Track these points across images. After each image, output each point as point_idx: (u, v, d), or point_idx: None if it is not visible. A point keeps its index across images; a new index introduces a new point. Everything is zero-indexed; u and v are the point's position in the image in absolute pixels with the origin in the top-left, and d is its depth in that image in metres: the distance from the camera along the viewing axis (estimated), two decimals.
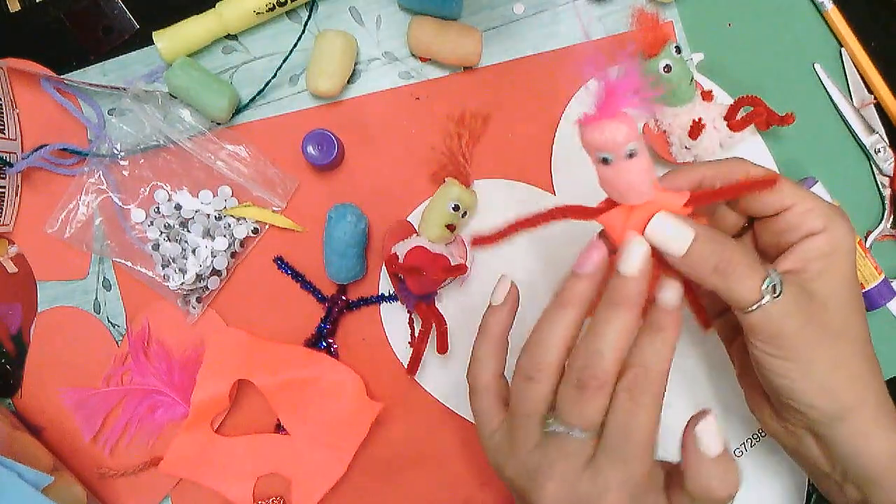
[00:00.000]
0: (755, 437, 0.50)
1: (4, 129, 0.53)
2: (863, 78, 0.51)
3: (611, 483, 0.34)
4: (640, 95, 0.33)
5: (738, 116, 0.47)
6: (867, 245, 0.51)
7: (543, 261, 0.52)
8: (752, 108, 0.47)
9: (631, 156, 0.33)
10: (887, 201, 0.51)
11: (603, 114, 0.33)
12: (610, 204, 0.36)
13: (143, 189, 0.53)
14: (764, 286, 0.34)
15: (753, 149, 0.51)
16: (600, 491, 0.34)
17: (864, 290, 0.49)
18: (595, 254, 0.36)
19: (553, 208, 0.36)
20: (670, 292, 0.35)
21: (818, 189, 0.49)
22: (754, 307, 0.34)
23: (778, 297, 0.34)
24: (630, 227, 0.35)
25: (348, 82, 0.52)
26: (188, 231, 0.53)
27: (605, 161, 0.33)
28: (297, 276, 0.53)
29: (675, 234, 0.34)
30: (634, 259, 0.34)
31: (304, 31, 0.52)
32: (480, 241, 0.38)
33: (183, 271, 0.52)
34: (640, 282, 0.34)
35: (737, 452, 0.50)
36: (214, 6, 0.51)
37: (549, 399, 0.36)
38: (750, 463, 0.50)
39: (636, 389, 0.34)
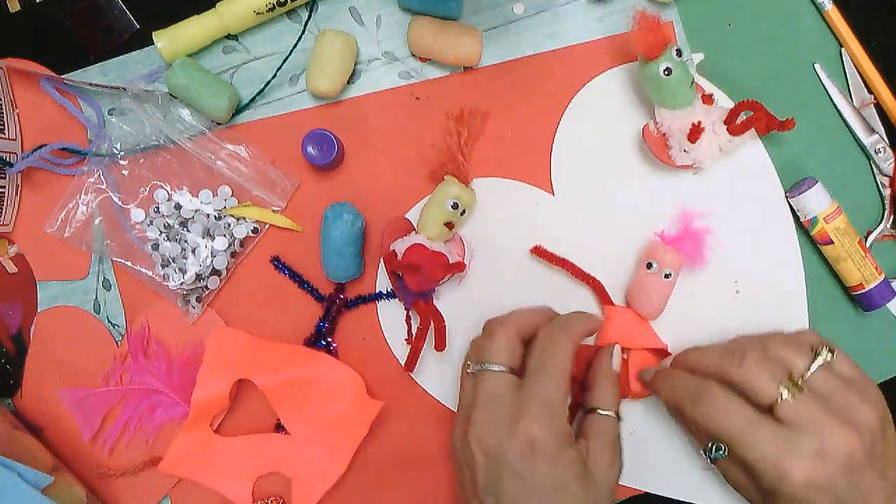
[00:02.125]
0: None
1: (4, 129, 0.53)
2: (863, 78, 0.51)
3: (531, 401, 0.41)
4: (699, 249, 0.49)
5: (738, 121, 0.47)
6: (867, 245, 0.51)
7: (537, 267, 0.52)
8: (752, 113, 0.47)
9: (666, 276, 0.48)
10: (887, 201, 0.51)
11: (674, 242, 0.49)
12: (615, 311, 0.51)
13: (142, 189, 0.53)
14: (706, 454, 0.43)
15: (753, 151, 0.51)
16: (519, 416, 0.40)
17: (863, 290, 0.49)
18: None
19: (591, 277, 0.51)
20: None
21: (817, 189, 0.49)
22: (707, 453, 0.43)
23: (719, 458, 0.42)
24: (611, 337, 0.50)
25: (348, 82, 0.52)
26: (188, 231, 0.53)
27: (649, 266, 0.48)
28: (294, 275, 0.53)
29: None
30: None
31: (304, 31, 0.52)
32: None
33: (183, 271, 0.52)
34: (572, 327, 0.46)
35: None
36: (214, 6, 0.51)
37: (480, 356, 0.45)
38: None
39: (549, 330, 0.44)
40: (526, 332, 0.45)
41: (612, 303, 0.51)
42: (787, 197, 0.50)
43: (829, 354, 0.41)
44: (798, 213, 0.50)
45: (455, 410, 0.52)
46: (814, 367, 0.41)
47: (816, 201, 0.49)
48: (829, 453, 0.38)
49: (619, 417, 0.46)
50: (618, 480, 0.44)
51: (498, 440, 0.41)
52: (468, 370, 0.45)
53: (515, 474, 0.40)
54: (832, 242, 0.49)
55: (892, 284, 0.50)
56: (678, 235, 0.49)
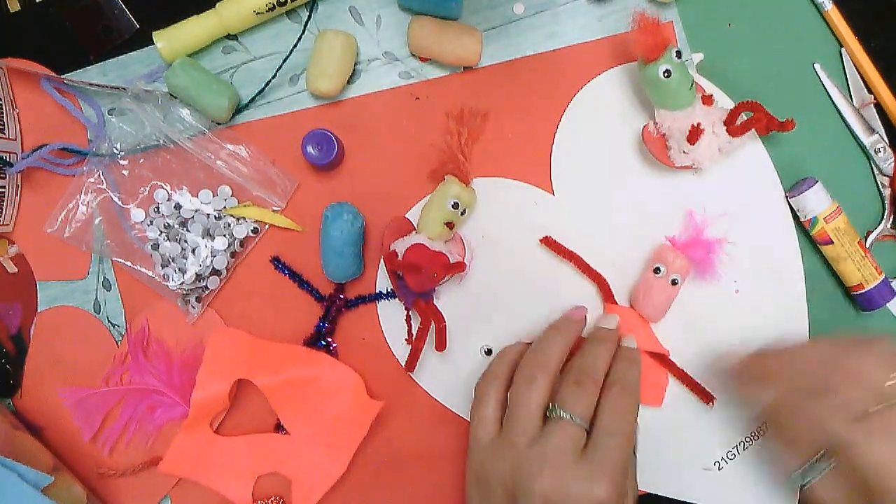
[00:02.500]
0: (746, 441, 0.50)
1: (4, 129, 0.53)
2: (863, 78, 0.51)
3: (607, 465, 0.40)
4: (711, 256, 0.49)
5: (738, 122, 0.47)
6: (867, 245, 0.51)
7: (537, 267, 0.52)
8: (751, 114, 0.47)
9: (673, 282, 0.49)
10: (887, 201, 0.51)
11: (685, 248, 0.49)
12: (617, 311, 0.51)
13: (142, 189, 0.53)
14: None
15: (753, 151, 0.51)
16: (591, 476, 0.39)
17: (863, 290, 0.49)
18: (581, 310, 0.49)
19: (597, 274, 0.51)
20: (612, 322, 0.48)
21: (817, 189, 0.49)
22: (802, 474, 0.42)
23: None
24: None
25: (348, 82, 0.52)
26: (188, 231, 0.53)
27: (656, 270, 0.49)
28: (294, 275, 0.53)
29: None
30: (613, 322, 0.48)
31: (304, 31, 0.52)
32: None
33: (183, 271, 0.52)
34: (615, 332, 0.48)
35: (728, 456, 0.50)
36: (214, 6, 0.51)
37: (545, 398, 0.43)
38: (743, 463, 0.50)
39: (621, 390, 0.43)
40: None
41: (615, 302, 0.51)
42: (787, 197, 0.50)
43: None
44: (798, 213, 0.50)
45: (453, 409, 0.52)
46: None
47: (816, 201, 0.49)
48: None
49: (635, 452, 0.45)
50: None
51: (569, 499, 0.39)
52: (551, 413, 0.42)
53: None
54: (832, 242, 0.49)
55: (892, 284, 0.50)
56: (688, 241, 0.49)
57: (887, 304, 0.51)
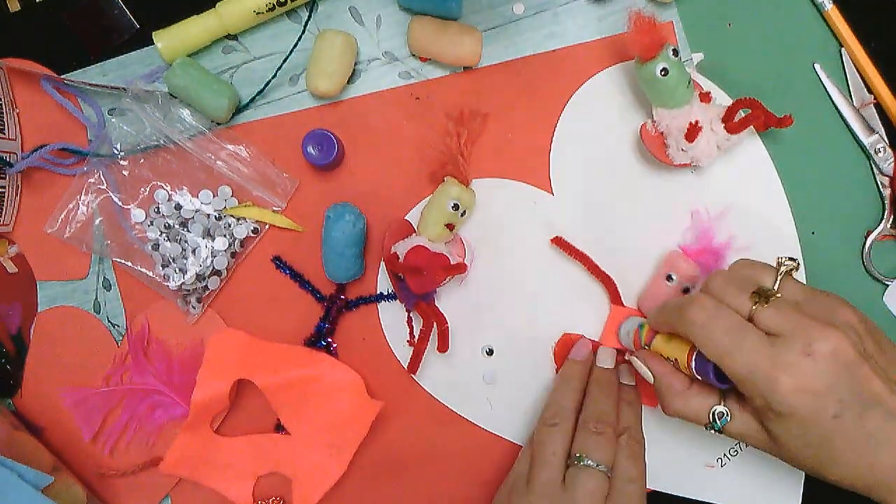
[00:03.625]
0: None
1: (4, 129, 0.53)
2: (863, 78, 0.51)
3: None
4: (719, 262, 0.50)
5: (736, 118, 0.47)
6: (867, 246, 0.51)
7: (538, 267, 0.52)
8: (749, 111, 0.47)
9: (685, 291, 0.49)
10: (887, 201, 0.51)
11: (696, 256, 0.49)
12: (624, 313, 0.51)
13: (143, 189, 0.53)
14: (710, 414, 0.42)
15: (752, 150, 0.51)
16: None
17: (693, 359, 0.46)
18: (583, 349, 0.51)
19: (606, 275, 0.51)
20: (609, 360, 0.50)
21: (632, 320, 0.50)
22: (713, 430, 0.42)
23: (728, 421, 0.41)
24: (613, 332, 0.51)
25: (348, 82, 0.52)
26: (188, 231, 0.53)
27: (668, 278, 0.49)
28: (295, 275, 0.53)
29: (644, 371, 0.46)
30: (610, 360, 0.50)
31: (304, 31, 0.52)
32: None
33: (183, 271, 0.52)
34: (612, 372, 0.50)
35: (731, 453, 0.50)
36: (214, 6, 0.51)
37: (567, 441, 0.46)
38: (746, 459, 0.50)
39: (631, 436, 0.46)
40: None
41: (622, 303, 0.51)
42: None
43: (793, 262, 0.41)
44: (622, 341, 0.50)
45: (455, 410, 0.52)
46: (780, 274, 0.40)
47: (630, 324, 0.49)
48: (815, 353, 0.36)
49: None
50: None
51: None
52: (579, 462, 0.44)
53: None
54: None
55: (889, 288, 0.50)
56: (699, 250, 0.49)
57: (885, 301, 0.51)
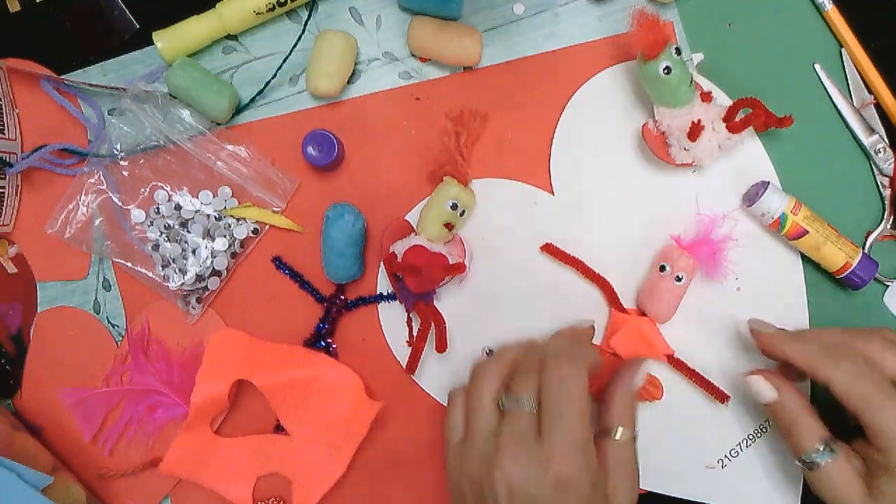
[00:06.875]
0: (749, 438, 0.50)
1: (4, 129, 0.53)
2: (863, 78, 0.51)
3: (558, 441, 0.39)
4: (716, 256, 0.49)
5: (737, 118, 0.47)
6: (867, 246, 0.51)
7: (537, 267, 0.52)
8: (750, 110, 0.47)
9: (678, 279, 0.48)
10: (887, 201, 0.51)
11: (691, 249, 0.49)
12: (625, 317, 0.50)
13: (143, 189, 0.53)
14: (818, 445, 0.42)
15: (752, 150, 0.51)
16: (549, 456, 0.39)
17: (851, 269, 0.49)
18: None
19: (601, 278, 0.51)
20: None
21: (772, 189, 0.48)
22: (808, 460, 0.43)
23: (829, 458, 0.42)
24: (622, 343, 0.50)
25: (348, 82, 0.52)
26: (188, 231, 0.53)
27: (662, 269, 0.48)
28: (295, 275, 0.53)
29: (766, 390, 0.45)
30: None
31: (304, 31, 0.52)
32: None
33: (183, 272, 0.52)
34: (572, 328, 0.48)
35: (731, 454, 0.50)
36: (214, 6, 0.51)
37: (496, 391, 0.43)
38: (747, 460, 0.50)
39: (554, 362, 0.42)
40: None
41: (621, 306, 0.51)
42: (746, 208, 0.50)
43: None
44: (763, 219, 0.49)
45: None
46: None
47: (777, 200, 0.48)
48: None
49: (635, 437, 0.44)
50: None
51: (528, 481, 0.39)
52: (502, 400, 0.42)
53: None
54: (807, 232, 0.48)
55: (889, 288, 0.50)
56: (694, 241, 0.49)
57: (886, 303, 0.51)
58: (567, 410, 0.40)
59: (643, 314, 0.50)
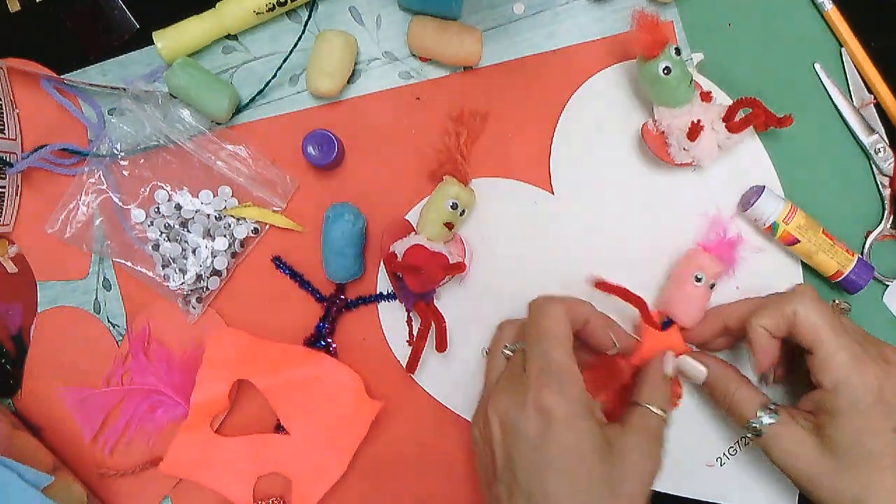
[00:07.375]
0: (746, 439, 0.50)
1: (4, 129, 0.53)
2: (863, 78, 0.51)
3: (534, 369, 0.41)
4: (734, 256, 0.49)
5: (737, 118, 0.47)
6: (867, 246, 0.51)
7: (537, 267, 0.52)
8: (750, 110, 0.47)
9: (711, 287, 0.48)
10: (887, 201, 0.51)
11: (717, 251, 0.49)
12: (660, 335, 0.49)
13: (143, 189, 0.53)
14: (758, 412, 0.43)
15: (752, 150, 0.51)
16: (527, 386, 0.40)
17: (844, 275, 0.49)
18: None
19: (635, 296, 0.47)
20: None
21: (768, 194, 0.48)
22: (753, 427, 0.43)
23: (772, 420, 0.42)
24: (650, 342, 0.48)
25: (348, 82, 0.53)
26: (188, 231, 0.53)
27: (697, 279, 0.47)
28: (295, 275, 0.53)
29: (695, 367, 0.47)
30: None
31: (304, 31, 0.52)
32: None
33: (183, 271, 0.52)
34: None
35: (730, 452, 0.50)
36: (214, 6, 0.51)
37: (505, 341, 0.46)
38: (746, 458, 0.50)
39: (538, 303, 0.44)
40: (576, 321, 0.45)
41: (657, 324, 0.48)
42: (740, 213, 0.50)
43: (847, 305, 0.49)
44: (756, 225, 0.49)
45: (454, 410, 0.52)
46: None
47: (771, 206, 0.48)
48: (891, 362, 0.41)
49: (665, 419, 0.43)
50: (653, 477, 0.41)
51: (510, 410, 0.40)
52: (505, 351, 0.46)
53: (530, 446, 0.39)
54: (798, 241, 0.48)
55: (889, 288, 0.50)
56: (717, 244, 0.49)
57: (886, 303, 0.51)
58: (539, 339, 0.42)
59: (666, 317, 0.49)
